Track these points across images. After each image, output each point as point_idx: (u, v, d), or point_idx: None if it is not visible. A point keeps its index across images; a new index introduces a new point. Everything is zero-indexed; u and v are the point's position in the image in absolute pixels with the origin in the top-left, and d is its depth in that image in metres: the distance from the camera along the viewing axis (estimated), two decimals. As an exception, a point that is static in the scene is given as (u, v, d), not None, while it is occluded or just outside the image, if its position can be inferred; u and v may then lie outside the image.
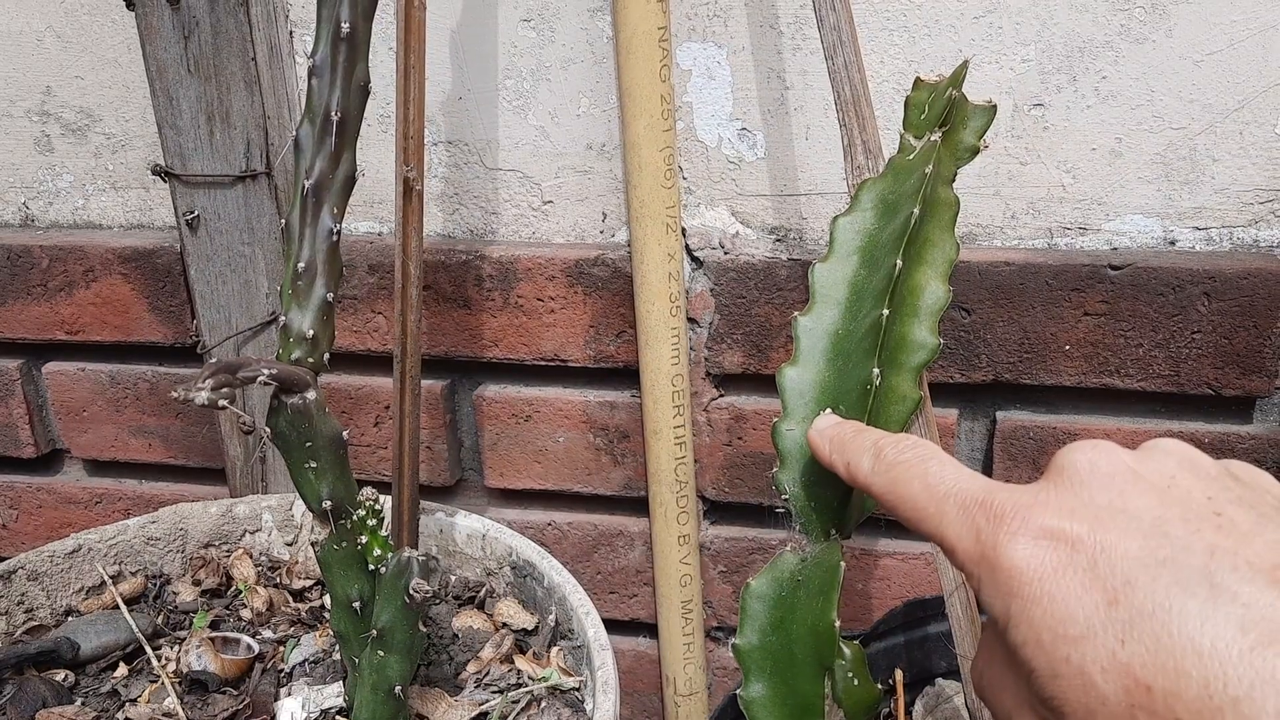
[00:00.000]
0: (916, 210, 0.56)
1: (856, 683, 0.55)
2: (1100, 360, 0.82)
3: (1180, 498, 0.31)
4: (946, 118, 0.59)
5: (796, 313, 0.58)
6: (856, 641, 0.55)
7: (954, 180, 0.58)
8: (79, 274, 1.02)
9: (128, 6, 0.84)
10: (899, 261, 0.55)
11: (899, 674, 0.78)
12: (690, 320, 0.88)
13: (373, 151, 0.93)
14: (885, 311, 0.54)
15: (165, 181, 0.91)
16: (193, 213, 0.90)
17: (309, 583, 0.88)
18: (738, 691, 0.57)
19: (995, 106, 0.58)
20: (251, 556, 0.90)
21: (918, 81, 0.60)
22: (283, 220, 0.89)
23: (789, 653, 0.56)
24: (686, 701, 0.94)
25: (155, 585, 0.88)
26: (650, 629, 1.01)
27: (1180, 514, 0.30)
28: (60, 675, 0.76)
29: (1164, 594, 0.28)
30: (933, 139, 0.59)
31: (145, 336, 1.03)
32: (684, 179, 0.88)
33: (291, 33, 0.91)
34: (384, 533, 0.65)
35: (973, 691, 0.32)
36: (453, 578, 0.86)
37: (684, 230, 0.87)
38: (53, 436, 1.11)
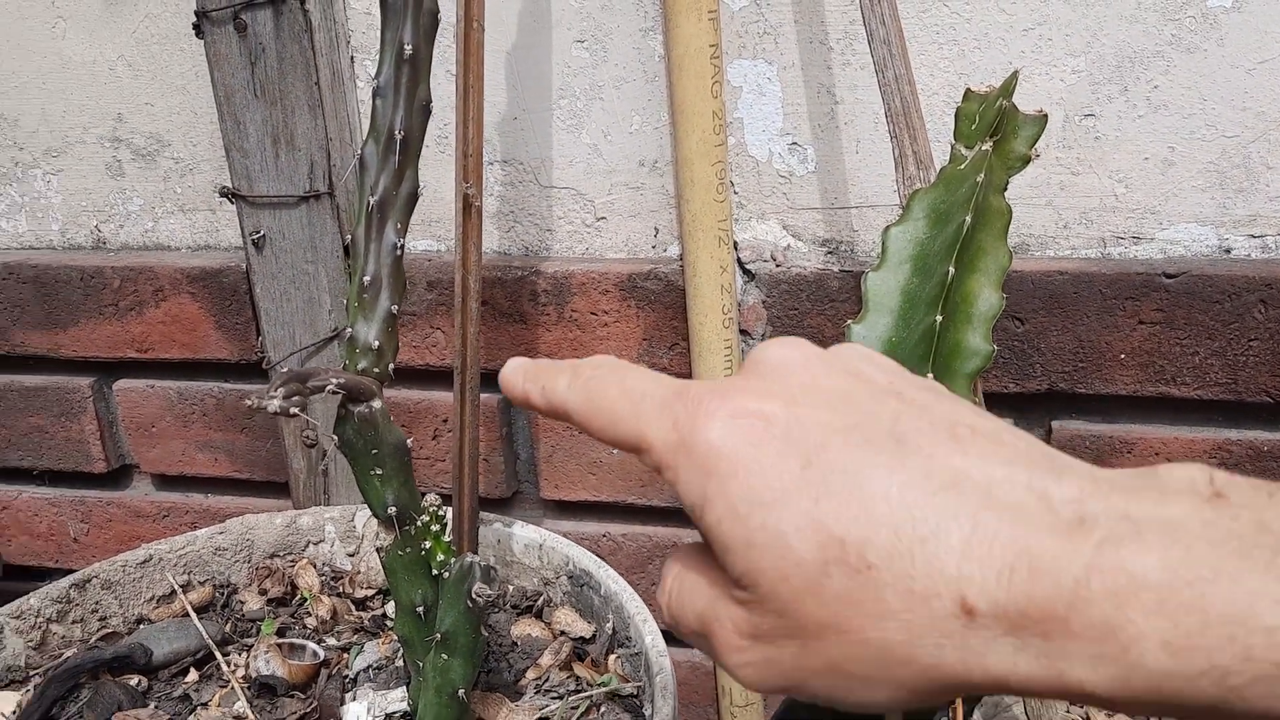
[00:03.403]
0: (969, 218, 0.56)
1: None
2: (1156, 369, 0.82)
3: (867, 380, 0.33)
4: (997, 127, 0.60)
5: (850, 321, 0.58)
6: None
7: (1006, 189, 0.59)
8: (149, 293, 1.05)
9: (197, 34, 0.87)
10: (952, 269, 0.56)
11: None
12: (743, 332, 0.89)
13: (430, 171, 0.96)
14: (938, 318, 0.55)
15: (232, 203, 0.94)
16: (259, 232, 0.93)
17: (371, 592, 0.90)
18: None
19: (1046, 116, 0.59)
20: (315, 566, 0.92)
21: (968, 92, 0.61)
22: (347, 236, 0.92)
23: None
24: (743, 713, 0.95)
25: (223, 594, 0.90)
26: (705, 640, 1.02)
27: (868, 391, 0.32)
28: (134, 680, 0.79)
29: (855, 452, 0.30)
30: (984, 148, 0.60)
31: (212, 354, 1.06)
32: (735, 193, 0.89)
33: (353, 58, 0.94)
34: (447, 538, 0.67)
35: (671, 621, 0.31)
36: (510, 587, 0.87)
37: (735, 244, 0.89)
38: (123, 452, 1.15)
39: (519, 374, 0.40)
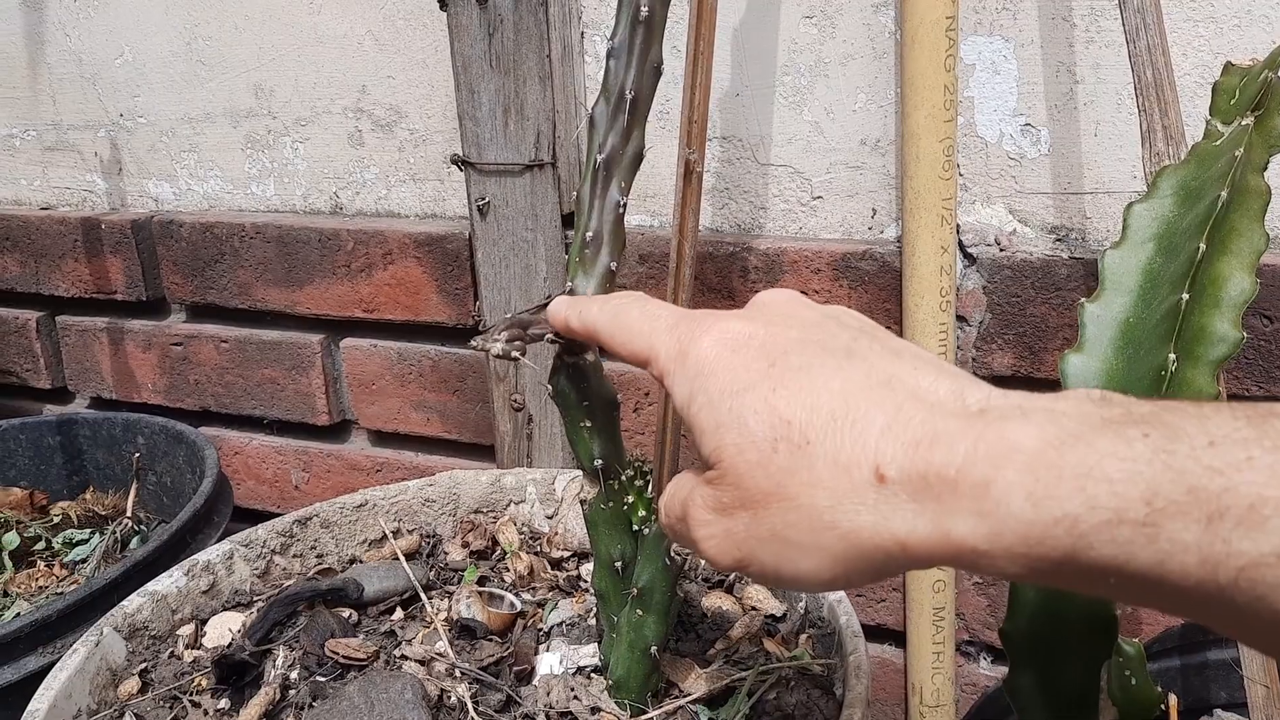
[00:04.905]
0: (1225, 193, 0.53)
1: (1134, 681, 0.52)
2: None
3: (838, 318, 0.40)
4: (1260, 102, 0.56)
5: (1083, 299, 0.56)
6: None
7: (1265, 169, 0.55)
8: (379, 257, 1.11)
9: (441, 7, 0.92)
10: (1202, 245, 0.53)
11: (1173, 700, 0.73)
12: (959, 318, 0.86)
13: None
14: (1185, 296, 0.52)
15: (461, 170, 0.98)
16: (484, 199, 0.97)
17: (566, 554, 0.92)
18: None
19: (1317, 91, 0.55)
20: (516, 525, 0.95)
21: (1228, 66, 0.58)
22: (566, 206, 0.94)
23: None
24: (933, 713, 0.91)
25: (428, 544, 0.94)
26: (895, 636, 0.99)
27: (838, 325, 0.39)
28: (346, 613, 0.83)
29: (812, 356, 0.36)
30: (1244, 123, 0.56)
31: (431, 316, 1.11)
32: (960, 175, 0.86)
33: (583, 34, 0.97)
34: (649, 496, 0.67)
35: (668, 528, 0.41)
36: (702, 560, 0.87)
37: (957, 226, 0.86)
38: (344, 407, 1.22)
39: (563, 304, 0.51)
